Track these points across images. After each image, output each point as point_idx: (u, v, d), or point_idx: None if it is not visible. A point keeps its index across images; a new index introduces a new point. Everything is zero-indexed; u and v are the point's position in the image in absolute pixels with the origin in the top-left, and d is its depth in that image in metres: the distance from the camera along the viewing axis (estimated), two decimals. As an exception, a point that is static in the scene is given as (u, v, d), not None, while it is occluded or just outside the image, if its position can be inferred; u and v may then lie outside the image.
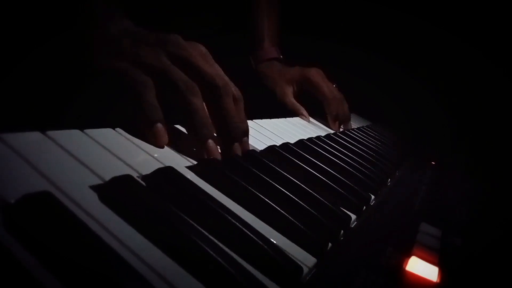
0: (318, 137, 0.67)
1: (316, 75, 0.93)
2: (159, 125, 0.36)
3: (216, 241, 0.27)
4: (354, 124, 1.03)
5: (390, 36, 1.39)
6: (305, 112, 0.90)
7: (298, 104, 0.92)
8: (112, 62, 0.38)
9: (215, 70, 0.41)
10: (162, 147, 0.37)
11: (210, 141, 0.39)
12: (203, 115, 0.39)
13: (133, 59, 0.38)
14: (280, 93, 0.93)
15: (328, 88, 0.93)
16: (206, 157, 0.39)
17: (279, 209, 0.34)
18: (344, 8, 1.39)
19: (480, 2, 1.30)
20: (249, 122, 0.57)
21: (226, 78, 0.42)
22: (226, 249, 0.26)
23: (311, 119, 0.90)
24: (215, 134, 0.40)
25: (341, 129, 0.93)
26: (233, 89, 0.42)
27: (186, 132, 0.41)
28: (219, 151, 0.40)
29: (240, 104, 0.44)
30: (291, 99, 0.93)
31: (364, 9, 1.40)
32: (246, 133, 0.44)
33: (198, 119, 0.38)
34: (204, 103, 0.39)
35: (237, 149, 0.42)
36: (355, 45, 1.36)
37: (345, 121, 0.96)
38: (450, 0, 1.34)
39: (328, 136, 0.73)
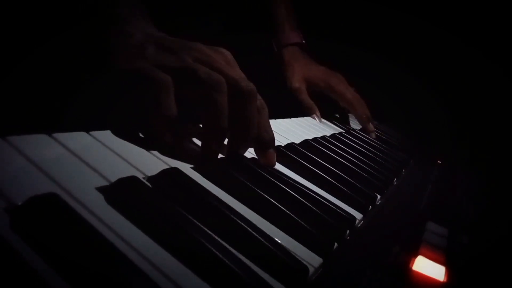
0: (323, 137, 0.67)
1: (339, 83, 0.93)
2: (168, 136, 0.36)
3: (221, 241, 0.27)
4: (359, 124, 1.02)
5: (393, 36, 1.39)
6: (318, 113, 0.90)
7: (313, 104, 0.91)
8: (134, 64, 0.37)
9: (240, 75, 0.40)
10: (166, 144, 0.36)
11: (217, 142, 0.38)
12: (223, 114, 0.37)
13: (155, 63, 0.37)
14: (296, 87, 0.92)
15: (352, 94, 0.94)
16: (205, 156, 0.38)
17: (284, 209, 0.34)
18: (347, 8, 1.39)
19: (481, 2, 1.30)
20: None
21: (252, 84, 0.40)
22: (232, 250, 0.26)
23: (316, 118, 0.89)
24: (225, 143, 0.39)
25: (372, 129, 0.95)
26: (258, 96, 0.41)
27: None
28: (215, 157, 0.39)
29: (264, 112, 0.42)
30: (307, 97, 0.92)
31: (367, 10, 1.39)
32: (271, 143, 0.42)
33: (217, 117, 0.37)
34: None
35: (267, 158, 0.42)
36: (358, 46, 1.35)
37: (372, 122, 0.97)
38: (453, 0, 1.33)
39: (333, 136, 0.73)
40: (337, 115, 1.00)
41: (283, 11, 0.95)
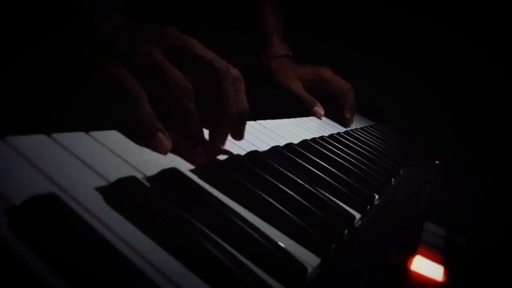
0: (321, 137, 0.67)
1: (327, 72, 0.98)
2: (160, 134, 0.36)
3: (220, 241, 0.27)
4: (358, 124, 1.03)
5: (392, 35, 1.39)
6: (319, 104, 0.93)
7: (312, 97, 0.94)
8: (104, 65, 0.37)
9: (212, 54, 0.40)
10: (166, 154, 0.37)
11: (199, 148, 0.38)
12: (194, 119, 0.38)
13: (124, 58, 0.37)
14: (294, 86, 0.96)
15: (341, 80, 0.97)
16: (190, 161, 0.38)
17: (282, 209, 0.34)
18: (346, 8, 1.39)
19: (482, 2, 1.30)
20: (252, 123, 0.57)
21: (224, 61, 0.41)
22: (230, 249, 0.26)
23: (315, 119, 0.90)
24: (206, 139, 0.40)
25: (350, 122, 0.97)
26: (232, 70, 0.41)
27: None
28: (205, 157, 0.39)
29: (240, 85, 0.42)
30: (306, 92, 0.96)
31: (367, 9, 1.39)
32: (243, 114, 0.42)
33: (190, 123, 0.38)
34: (195, 106, 0.38)
35: (233, 132, 0.42)
36: (357, 45, 1.35)
37: (354, 111, 0.99)
38: (454, 1, 1.33)
39: (331, 136, 0.73)
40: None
41: (271, 23, 0.99)
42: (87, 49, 0.38)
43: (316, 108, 0.92)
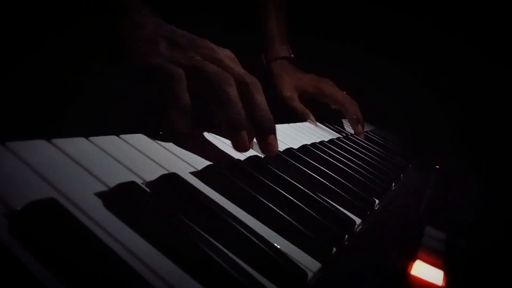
0: (321, 142, 0.67)
1: (328, 86, 0.95)
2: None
3: (220, 246, 0.27)
4: (350, 125, 1.03)
5: (393, 40, 1.39)
6: (312, 117, 0.91)
7: (306, 109, 0.93)
8: (149, 60, 0.39)
9: (243, 70, 0.42)
10: (184, 131, 0.39)
11: (243, 132, 0.40)
12: (237, 105, 0.39)
13: (167, 59, 0.39)
14: (288, 96, 0.94)
15: (342, 95, 0.95)
16: (238, 149, 0.41)
17: (283, 214, 0.34)
18: (348, 12, 1.40)
19: (483, 4, 1.30)
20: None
21: (254, 78, 0.43)
22: (231, 255, 0.26)
23: (312, 122, 0.90)
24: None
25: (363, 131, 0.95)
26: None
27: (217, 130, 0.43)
28: (251, 145, 0.41)
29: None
30: (299, 104, 0.94)
31: (369, 13, 1.40)
32: (272, 128, 0.43)
33: (233, 108, 0.39)
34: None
35: (270, 142, 0.43)
36: (359, 49, 1.36)
37: (362, 123, 0.98)
38: (454, 2, 1.34)
39: (331, 141, 0.73)
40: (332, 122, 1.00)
41: (274, 26, 0.98)
42: (132, 47, 0.39)
43: (308, 121, 0.90)
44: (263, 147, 0.43)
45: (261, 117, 0.41)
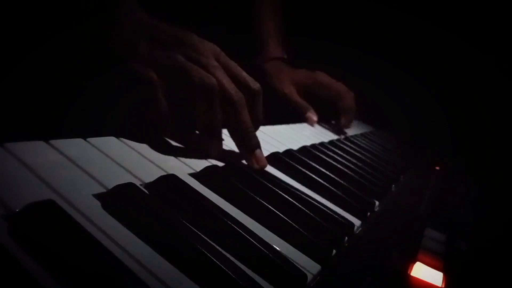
0: (321, 144, 0.67)
1: (323, 76, 0.96)
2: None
3: (219, 248, 0.27)
4: (357, 130, 1.03)
5: (393, 41, 1.39)
6: (312, 111, 0.90)
7: (306, 103, 0.92)
8: (127, 64, 0.39)
9: (227, 78, 0.40)
10: (165, 136, 0.39)
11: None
12: (217, 114, 0.39)
13: (147, 61, 0.39)
14: (288, 91, 0.94)
15: (338, 84, 0.96)
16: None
17: (282, 215, 0.34)
18: (348, 12, 1.40)
19: (484, 5, 1.30)
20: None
21: (246, 79, 0.42)
22: (230, 257, 0.26)
23: (315, 125, 0.90)
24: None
25: (346, 125, 0.94)
26: (251, 83, 0.43)
27: (196, 140, 0.42)
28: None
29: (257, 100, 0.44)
30: (299, 98, 0.94)
31: (368, 13, 1.40)
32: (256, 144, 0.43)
33: (211, 115, 0.39)
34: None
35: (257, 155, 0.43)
36: (358, 50, 1.36)
37: (353, 115, 0.97)
38: (454, 3, 1.34)
39: (331, 142, 0.73)
40: (333, 122, 1.00)
41: (268, 25, 0.98)
42: (110, 47, 0.39)
43: (309, 114, 0.89)
44: (251, 162, 0.42)
45: (245, 134, 0.41)
